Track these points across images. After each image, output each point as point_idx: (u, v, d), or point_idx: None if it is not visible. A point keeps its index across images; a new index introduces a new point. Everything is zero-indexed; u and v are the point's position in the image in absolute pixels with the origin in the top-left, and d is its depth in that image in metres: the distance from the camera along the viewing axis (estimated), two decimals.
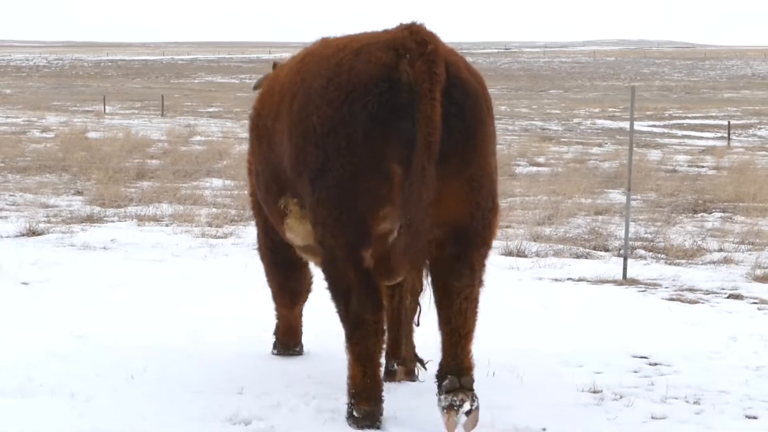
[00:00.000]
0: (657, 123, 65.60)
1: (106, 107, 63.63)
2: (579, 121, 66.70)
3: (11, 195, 19.81)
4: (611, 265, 13.66)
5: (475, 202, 6.67)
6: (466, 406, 6.74)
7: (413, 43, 6.48)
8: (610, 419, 7.46)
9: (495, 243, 14.76)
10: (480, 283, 6.92)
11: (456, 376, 6.77)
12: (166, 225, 16.35)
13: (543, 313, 10.74)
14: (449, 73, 6.52)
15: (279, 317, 8.73)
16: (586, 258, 14.50)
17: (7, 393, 7.60)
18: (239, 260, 12.89)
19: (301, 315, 8.74)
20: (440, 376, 6.85)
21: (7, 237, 14.88)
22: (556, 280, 12.81)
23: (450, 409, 6.74)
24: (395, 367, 8.07)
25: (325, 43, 7.22)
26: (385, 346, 7.03)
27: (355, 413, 6.92)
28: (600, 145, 44.18)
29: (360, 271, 6.73)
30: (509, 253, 14.46)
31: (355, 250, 6.69)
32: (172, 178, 22.54)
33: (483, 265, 6.95)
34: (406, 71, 6.44)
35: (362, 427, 6.90)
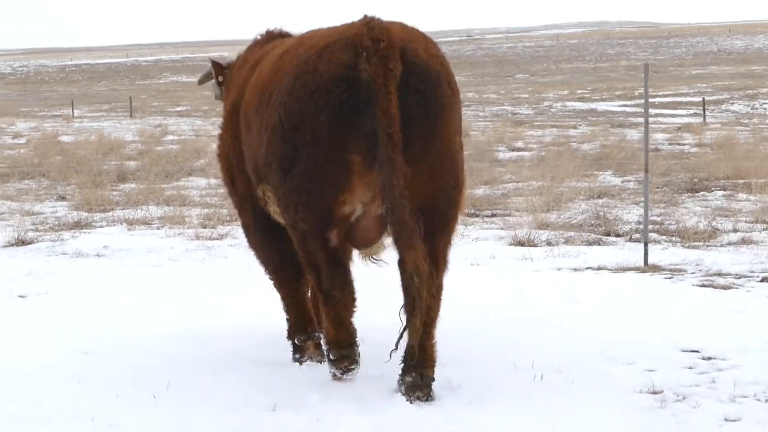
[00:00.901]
0: (628, 102, 65.44)
1: (74, 111, 62.93)
2: (549, 104, 66.53)
3: None
4: (628, 251, 13.16)
5: (438, 184, 7.01)
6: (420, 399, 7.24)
7: (369, 41, 6.77)
8: (679, 423, 6.86)
9: (503, 233, 14.58)
10: (445, 267, 7.41)
11: (419, 372, 7.22)
12: (158, 228, 15.75)
13: (572, 307, 10.13)
14: (407, 60, 6.81)
15: (287, 304, 8.53)
16: (599, 245, 13.98)
17: (24, 420, 7.00)
18: (239, 262, 12.26)
19: (307, 298, 8.48)
20: (406, 363, 7.26)
21: None
22: (575, 269, 12.27)
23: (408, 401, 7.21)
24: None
25: (300, 40, 7.49)
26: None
27: (331, 356, 7.54)
28: (575, 127, 43.95)
29: (327, 250, 7.19)
30: (519, 243, 13.95)
31: (322, 232, 7.13)
32: (153, 179, 21.93)
33: (447, 248, 7.37)
34: (365, 69, 6.75)
35: (340, 368, 7.55)
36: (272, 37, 8.82)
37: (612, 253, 13.13)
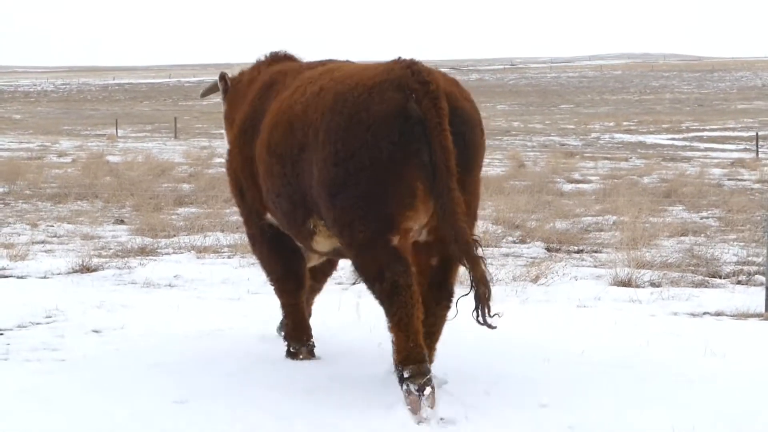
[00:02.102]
0: (676, 136, 64.52)
1: (118, 130, 62.41)
2: (597, 136, 65.68)
3: (50, 225, 18.34)
4: (742, 296, 12.16)
5: (462, 206, 7.26)
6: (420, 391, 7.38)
7: (417, 84, 7.29)
8: None
9: (598, 272, 13.61)
10: (453, 297, 7.87)
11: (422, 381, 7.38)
12: (228, 257, 14.83)
13: (717, 364, 8.96)
14: (449, 104, 7.33)
15: (287, 311, 9.14)
16: (707, 287, 12.98)
17: None
18: (330, 298, 11.25)
19: (304, 307, 9.17)
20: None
21: (59, 274, 13.40)
22: (692, 315, 11.25)
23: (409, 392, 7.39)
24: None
25: (334, 78, 7.87)
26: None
27: (405, 374, 7.41)
28: (626, 160, 43.06)
29: (390, 250, 7.37)
30: (621, 283, 12.96)
31: (383, 235, 7.35)
32: (212, 203, 21.10)
33: (455, 282, 7.90)
34: (414, 109, 7.23)
35: (418, 385, 7.38)
36: (277, 59, 9.41)
37: (725, 296, 12.13)
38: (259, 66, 9.41)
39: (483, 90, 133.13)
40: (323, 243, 8.14)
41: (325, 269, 9.59)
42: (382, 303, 7.51)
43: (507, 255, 15.72)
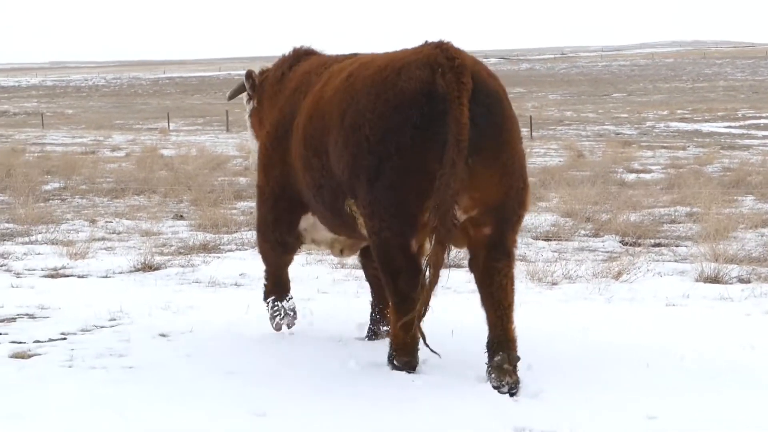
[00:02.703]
0: (732, 124, 63.64)
1: (170, 124, 62.20)
2: (651, 125, 64.93)
3: (108, 222, 17.89)
4: None
5: (509, 184, 7.58)
6: (511, 389, 7.61)
7: (444, 59, 7.47)
8: None
9: (681, 267, 12.97)
10: (514, 260, 7.88)
11: (506, 352, 7.66)
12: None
13: None
14: (474, 80, 7.45)
15: (267, 275, 9.68)
16: None
17: None
18: None
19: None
20: (491, 349, 7.74)
21: (121, 273, 12.93)
22: None
23: (497, 389, 7.61)
24: (380, 329, 9.34)
25: (364, 64, 8.11)
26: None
27: (395, 362, 8.07)
28: (683, 149, 42.36)
29: (408, 256, 7.70)
30: (708, 279, 12.31)
31: (406, 239, 7.64)
32: None
33: (516, 243, 7.92)
34: (440, 84, 7.39)
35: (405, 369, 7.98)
36: (299, 55, 9.52)
37: None
38: (282, 63, 9.56)
39: (534, 79, 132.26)
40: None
41: None
42: (390, 298, 7.96)
43: (582, 249, 15.13)
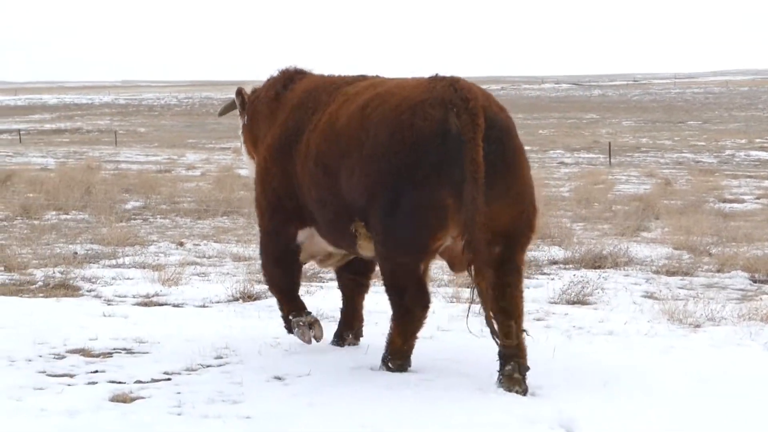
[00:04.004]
0: None
1: None
2: (731, 153, 63.24)
3: (196, 244, 16.93)
4: None
5: (520, 210, 8.07)
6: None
7: (458, 100, 7.87)
8: None
9: None
10: (522, 275, 8.32)
11: (516, 361, 8.14)
12: None
13: None
14: (486, 117, 7.87)
15: (279, 301, 9.75)
16: None
17: None
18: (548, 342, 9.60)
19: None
20: (504, 357, 8.19)
21: (218, 302, 11.94)
22: None
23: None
24: (349, 336, 9.78)
25: (378, 95, 8.40)
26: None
27: (390, 364, 8.61)
28: None
29: (415, 278, 8.24)
30: None
31: (416, 264, 8.18)
32: None
33: (524, 261, 8.38)
34: (455, 123, 7.80)
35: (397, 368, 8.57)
36: (291, 74, 9.76)
37: None
38: (275, 83, 9.78)
39: (607, 106, 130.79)
40: (367, 246, 8.53)
41: (369, 265, 9.66)
42: (393, 312, 8.46)
43: (709, 286, 13.91)
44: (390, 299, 8.48)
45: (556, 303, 12.13)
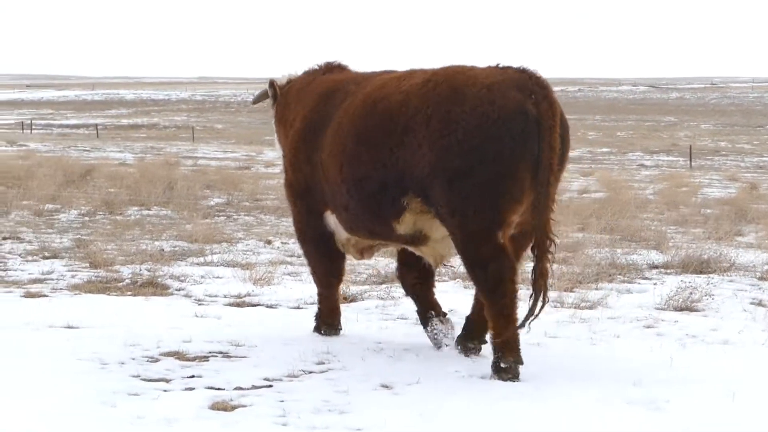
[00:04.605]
0: None
1: None
2: None
3: (284, 243, 16.50)
4: None
5: (553, 203, 8.39)
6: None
7: (537, 87, 8.17)
8: None
9: None
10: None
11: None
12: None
13: None
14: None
15: (322, 300, 9.96)
16: None
17: None
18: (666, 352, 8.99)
19: (338, 296, 10.05)
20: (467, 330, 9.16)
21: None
22: None
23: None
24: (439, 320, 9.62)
25: (438, 73, 8.57)
26: None
27: (501, 364, 8.27)
28: None
29: (496, 245, 8.16)
30: None
31: (492, 231, 8.15)
32: None
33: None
34: (531, 109, 8.10)
35: (507, 379, 8.22)
36: (332, 66, 10.13)
37: None
38: (315, 72, 10.13)
39: (685, 108, 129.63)
40: (407, 222, 8.69)
41: (429, 270, 9.71)
42: (482, 290, 8.39)
43: None
44: (476, 280, 8.46)
45: (663, 309, 11.55)
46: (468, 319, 9.27)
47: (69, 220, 19.33)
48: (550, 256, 8.29)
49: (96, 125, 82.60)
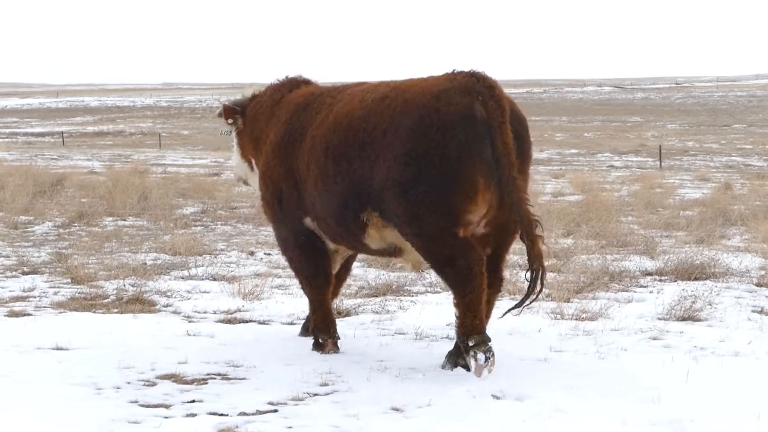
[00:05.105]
0: None
1: None
2: None
3: (267, 254, 16.10)
4: None
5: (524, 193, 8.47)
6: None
7: (483, 88, 8.43)
8: None
9: None
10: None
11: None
12: (514, 297, 12.34)
13: None
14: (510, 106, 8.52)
15: (315, 308, 9.80)
16: None
17: None
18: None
19: (331, 303, 9.91)
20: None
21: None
22: None
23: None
24: None
25: (395, 88, 8.85)
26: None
27: (470, 343, 8.52)
28: None
29: (458, 241, 8.38)
30: None
31: (450, 228, 8.37)
32: None
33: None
34: (479, 110, 8.36)
35: (477, 352, 8.52)
36: (297, 81, 10.21)
37: None
38: (281, 87, 10.20)
39: (650, 109, 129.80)
40: (374, 237, 8.87)
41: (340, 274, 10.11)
42: (453, 285, 8.49)
43: None
44: (443, 276, 8.65)
45: (666, 320, 11.26)
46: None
47: (44, 232, 18.87)
48: (540, 239, 8.48)
49: (62, 133, 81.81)
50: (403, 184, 8.42)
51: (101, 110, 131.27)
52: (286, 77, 10.33)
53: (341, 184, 8.83)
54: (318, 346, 9.62)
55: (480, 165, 8.31)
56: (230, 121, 10.44)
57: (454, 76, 8.67)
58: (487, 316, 8.78)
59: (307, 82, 10.29)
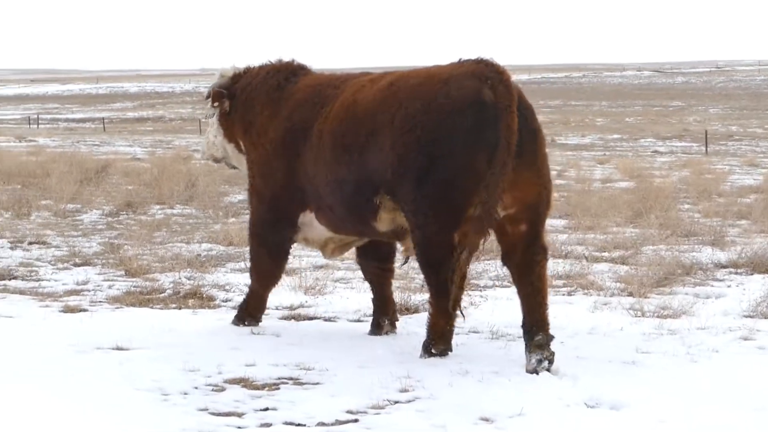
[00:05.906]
0: None
1: None
2: None
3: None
4: None
5: (542, 185, 8.59)
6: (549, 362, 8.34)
7: (492, 73, 8.47)
8: None
9: None
10: (547, 253, 8.78)
11: (544, 332, 8.43)
12: (607, 295, 11.81)
13: None
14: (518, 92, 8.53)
15: (254, 297, 10.15)
16: None
17: None
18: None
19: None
20: (530, 331, 8.46)
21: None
22: None
23: (539, 362, 8.31)
24: (385, 322, 9.91)
25: (402, 76, 9.01)
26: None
27: (433, 350, 8.79)
28: None
29: (450, 249, 8.46)
30: None
31: (449, 233, 8.44)
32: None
33: (545, 239, 8.83)
34: (488, 94, 8.37)
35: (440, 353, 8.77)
36: (294, 68, 10.06)
37: None
38: (275, 73, 10.04)
39: (691, 93, 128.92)
40: (386, 219, 8.92)
41: (391, 252, 10.02)
42: (430, 287, 8.70)
43: None
44: (426, 278, 8.80)
45: (752, 317, 10.66)
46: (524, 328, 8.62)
47: (92, 221, 18.42)
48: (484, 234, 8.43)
49: (102, 119, 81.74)
50: (418, 171, 8.46)
51: (140, 96, 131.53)
52: (279, 61, 10.22)
53: (353, 172, 8.92)
54: (239, 321, 10.05)
55: (485, 152, 8.32)
56: (216, 104, 10.26)
57: (462, 63, 8.77)
58: (542, 294, 8.62)
59: (302, 68, 10.18)
